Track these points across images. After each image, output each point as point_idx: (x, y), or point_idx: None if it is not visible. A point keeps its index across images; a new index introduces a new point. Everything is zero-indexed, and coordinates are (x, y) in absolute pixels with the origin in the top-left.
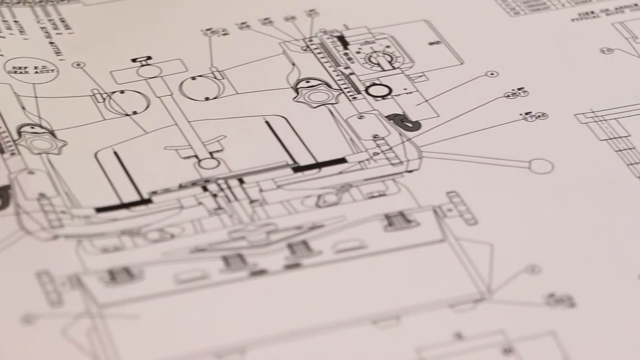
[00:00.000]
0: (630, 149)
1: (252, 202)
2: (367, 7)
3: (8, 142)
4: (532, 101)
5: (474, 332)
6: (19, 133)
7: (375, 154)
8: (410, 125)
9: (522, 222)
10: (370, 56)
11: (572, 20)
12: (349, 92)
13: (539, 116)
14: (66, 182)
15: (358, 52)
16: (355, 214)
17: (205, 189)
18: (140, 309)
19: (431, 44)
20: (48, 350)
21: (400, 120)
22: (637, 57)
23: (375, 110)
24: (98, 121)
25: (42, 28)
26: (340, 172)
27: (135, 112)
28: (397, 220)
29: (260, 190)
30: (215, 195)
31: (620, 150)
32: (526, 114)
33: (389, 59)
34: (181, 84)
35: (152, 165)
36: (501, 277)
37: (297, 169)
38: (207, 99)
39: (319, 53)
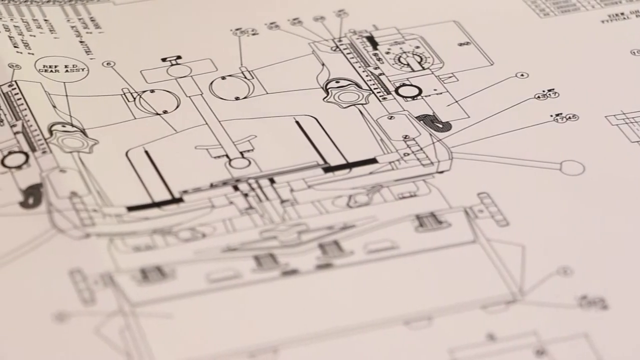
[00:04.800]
0: None
1: (283, 201)
2: (397, 7)
3: (39, 140)
4: (562, 102)
5: (507, 333)
6: (50, 131)
7: (406, 154)
8: (440, 126)
9: (553, 224)
10: (400, 57)
11: (602, 21)
12: (378, 92)
13: (569, 117)
14: (97, 181)
15: (387, 53)
16: (387, 214)
17: (236, 188)
18: (173, 307)
19: (461, 44)
20: (81, 348)
21: (430, 120)
22: None
23: (405, 110)
24: (129, 120)
25: (72, 27)
26: (371, 173)
27: (165, 112)
28: (428, 221)
29: (291, 190)
30: (246, 195)
31: None
32: (557, 115)
33: (418, 59)
34: (211, 83)
35: (183, 165)
36: (533, 278)
37: (328, 169)
38: (237, 98)
39: (348, 53)
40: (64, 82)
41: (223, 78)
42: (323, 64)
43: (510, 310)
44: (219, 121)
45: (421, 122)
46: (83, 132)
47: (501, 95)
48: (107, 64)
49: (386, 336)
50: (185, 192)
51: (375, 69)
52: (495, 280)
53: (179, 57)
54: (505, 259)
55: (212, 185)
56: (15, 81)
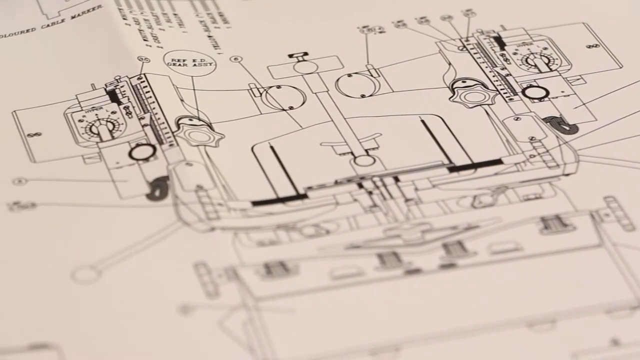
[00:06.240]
0: None
1: (407, 200)
2: (525, 8)
3: (167, 133)
4: None
5: (631, 339)
6: (178, 125)
7: (532, 156)
8: (567, 128)
9: None
10: (528, 58)
11: None
12: (505, 93)
13: None
14: (223, 175)
15: (515, 53)
16: (511, 215)
17: (360, 186)
18: (296, 303)
19: (589, 47)
20: (205, 341)
21: (557, 122)
22: None
23: (532, 112)
24: (255, 115)
25: (201, 22)
26: (496, 174)
27: (291, 107)
28: (553, 223)
29: (416, 189)
30: (370, 193)
31: None
32: None
33: (546, 60)
34: (337, 80)
35: (307, 161)
36: None
37: (453, 168)
38: (362, 96)
39: (475, 53)
40: (192, 76)
41: (349, 75)
42: (449, 64)
43: (636, 316)
44: (345, 118)
45: (548, 123)
46: (210, 126)
47: (630, 98)
48: (235, 59)
49: (509, 338)
50: (309, 188)
51: (502, 69)
52: (621, 285)
53: (305, 54)
54: (631, 263)
55: (336, 182)
56: (144, 74)
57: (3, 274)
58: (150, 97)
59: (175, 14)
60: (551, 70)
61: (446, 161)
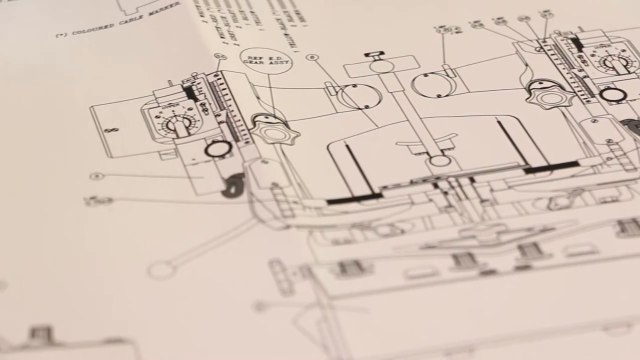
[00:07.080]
0: None
1: (482, 201)
2: (603, 10)
3: (243, 130)
4: None
5: None
6: (254, 122)
7: (609, 158)
8: None
9: None
10: (605, 59)
11: None
12: (582, 95)
13: None
14: (298, 173)
15: (592, 55)
16: (587, 218)
17: (436, 186)
18: (370, 302)
19: None
20: (279, 338)
21: (635, 125)
22: None
23: (609, 114)
24: (330, 114)
25: (277, 19)
26: (573, 176)
27: (367, 107)
28: (630, 227)
29: (491, 190)
30: (445, 193)
31: None
32: None
33: (624, 63)
34: (413, 80)
35: (383, 160)
36: None
37: (529, 170)
38: (439, 96)
39: (552, 55)
40: (268, 74)
41: (425, 75)
42: (526, 65)
43: None
44: (420, 118)
45: (625, 126)
46: (285, 124)
47: None
48: (311, 57)
49: (584, 341)
50: (385, 187)
51: (580, 71)
52: None
53: (382, 53)
54: None
55: (411, 182)
56: (221, 71)
57: (79, 268)
58: (227, 94)
59: (252, 12)
60: (629, 72)
61: (522, 162)
